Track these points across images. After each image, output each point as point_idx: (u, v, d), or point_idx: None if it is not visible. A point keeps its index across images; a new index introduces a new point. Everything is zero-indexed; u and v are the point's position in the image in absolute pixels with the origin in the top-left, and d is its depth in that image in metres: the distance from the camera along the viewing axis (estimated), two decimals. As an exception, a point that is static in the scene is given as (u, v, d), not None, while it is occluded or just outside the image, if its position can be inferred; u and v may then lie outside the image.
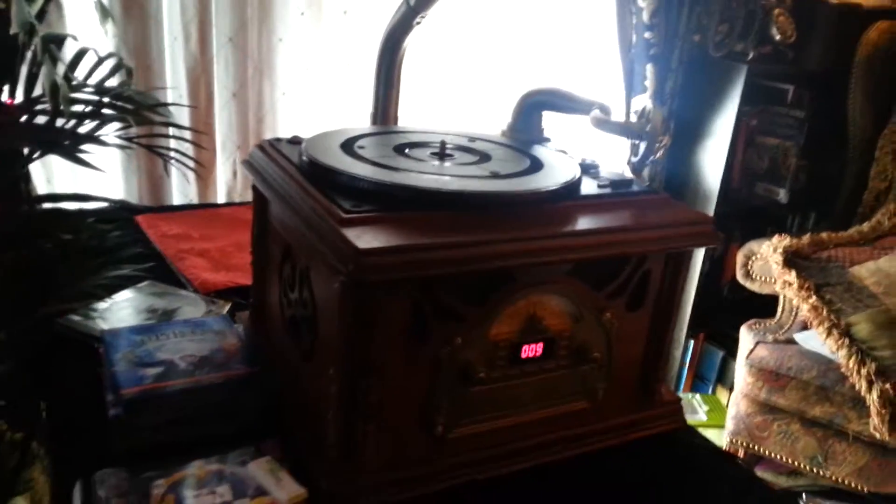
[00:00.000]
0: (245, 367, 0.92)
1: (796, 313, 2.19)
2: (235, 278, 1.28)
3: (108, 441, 0.84)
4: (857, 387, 1.84)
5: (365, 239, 0.72)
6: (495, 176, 0.89)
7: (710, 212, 2.43)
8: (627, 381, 0.96)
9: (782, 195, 2.47)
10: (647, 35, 2.18)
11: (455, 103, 2.08)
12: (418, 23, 1.16)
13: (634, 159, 0.96)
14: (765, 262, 2.19)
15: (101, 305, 1.13)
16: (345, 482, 0.77)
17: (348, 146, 0.94)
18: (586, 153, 1.04)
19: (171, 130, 1.31)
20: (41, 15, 1.22)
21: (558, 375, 0.89)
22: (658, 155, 2.35)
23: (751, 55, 2.24)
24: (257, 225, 1.04)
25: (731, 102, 2.31)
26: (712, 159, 2.38)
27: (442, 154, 0.95)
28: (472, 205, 0.81)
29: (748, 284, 2.28)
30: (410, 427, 0.82)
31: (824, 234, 2.14)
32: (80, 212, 1.45)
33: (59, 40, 1.28)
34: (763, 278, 2.22)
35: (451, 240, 0.75)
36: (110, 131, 1.28)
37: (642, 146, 0.94)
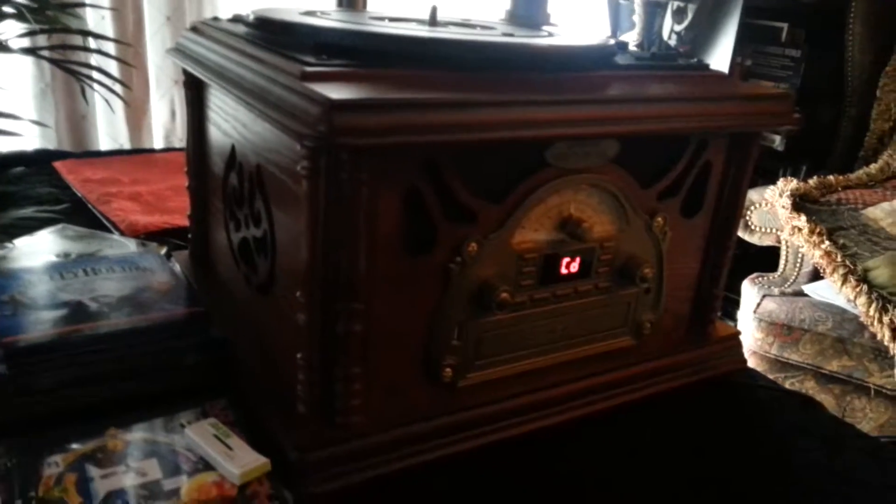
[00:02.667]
0: (181, 308, 0.69)
1: (801, 264, 2.02)
2: (172, 220, 1.04)
3: (-12, 410, 0.61)
4: (878, 336, 1.67)
5: (339, 91, 0.49)
6: (510, 36, 0.67)
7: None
8: (679, 312, 0.76)
9: (778, 142, 2.30)
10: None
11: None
12: None
13: (678, 27, 0.75)
14: (765, 212, 2.02)
15: (-2, 251, 0.88)
16: (321, 447, 0.55)
17: (310, 13, 0.72)
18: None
19: (91, 44, 1.06)
20: None
21: (597, 301, 0.68)
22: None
23: (745, -15, 2.06)
24: (193, 134, 0.81)
25: (725, 40, 2.12)
26: (704, 104, 2.19)
27: (433, 22, 0.73)
28: (486, 62, 0.59)
29: (746, 236, 2.11)
30: (407, 372, 0.60)
31: (831, 177, 1.97)
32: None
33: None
34: (763, 229, 2.05)
35: (463, 96, 0.53)
36: (9, 40, 1.03)
37: (690, 10, 0.72)
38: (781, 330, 1.83)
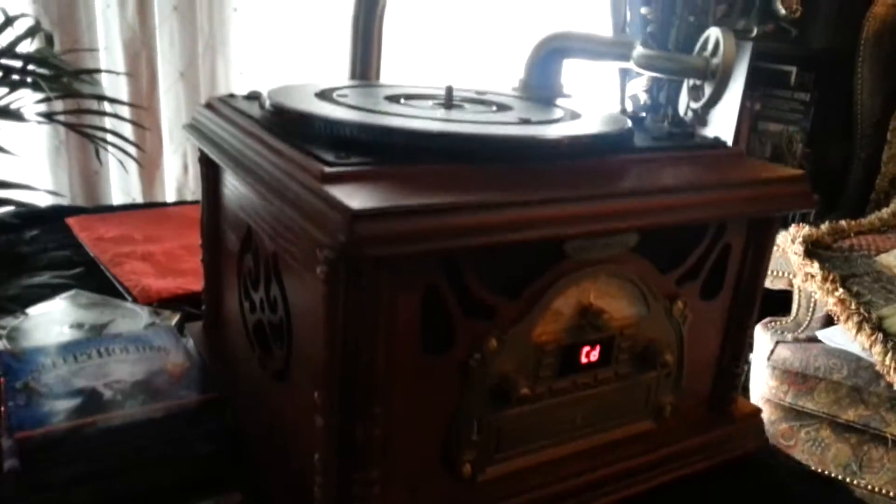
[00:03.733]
0: (195, 395, 0.68)
1: (814, 309, 2.00)
2: (186, 284, 1.04)
3: (0, 505, 0.60)
4: (894, 386, 1.65)
5: (360, 197, 0.49)
6: (526, 122, 0.67)
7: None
8: (699, 392, 0.74)
9: (788, 184, 2.30)
10: (643, 11, 2.00)
11: (443, 63, 1.83)
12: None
13: (695, 105, 0.74)
14: (777, 255, 2.00)
15: (11, 322, 0.88)
16: (340, 554, 0.54)
17: (326, 95, 0.72)
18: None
19: (107, 107, 1.07)
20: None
21: (618, 388, 0.67)
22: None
23: (755, 32, 2.07)
24: (207, 208, 0.81)
25: (734, 85, 2.13)
26: (713, 147, 2.21)
27: (449, 103, 0.73)
28: (503, 155, 0.59)
29: (759, 280, 2.09)
30: (426, 469, 0.59)
31: (843, 222, 1.96)
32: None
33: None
34: (775, 272, 2.03)
35: (484, 198, 0.52)
36: (26, 106, 1.04)
37: (707, 88, 0.72)
38: (796, 378, 1.81)
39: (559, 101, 0.82)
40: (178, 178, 1.50)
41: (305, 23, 1.55)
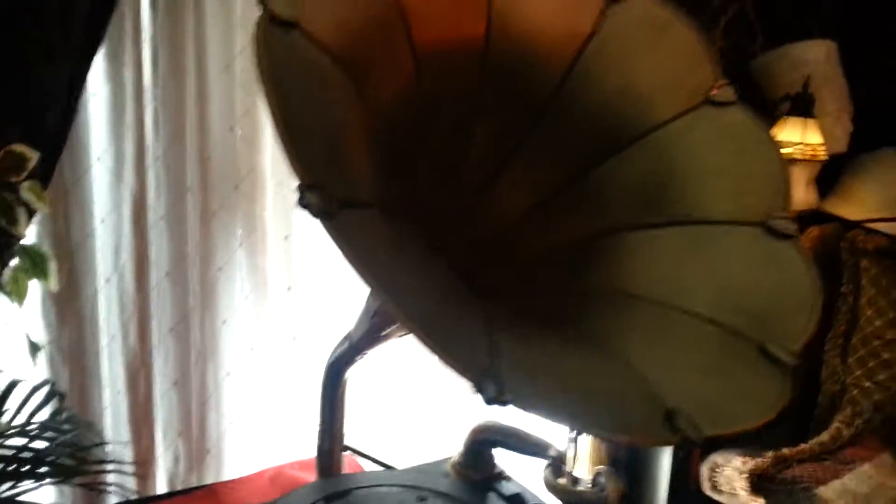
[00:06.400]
0: None
1: (769, 531, 2.13)
2: None
3: None
4: None
5: None
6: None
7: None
8: None
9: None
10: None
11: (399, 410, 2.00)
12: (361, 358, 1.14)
13: (594, 528, 0.92)
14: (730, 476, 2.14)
15: None
16: None
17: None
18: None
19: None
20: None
21: None
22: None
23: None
24: None
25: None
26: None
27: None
28: None
29: (715, 496, 2.22)
30: None
31: (786, 450, 2.11)
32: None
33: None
34: (731, 490, 2.17)
35: None
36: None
37: (599, 514, 0.90)
38: None
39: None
40: (169, 470, 1.66)
41: (284, 328, 1.77)
